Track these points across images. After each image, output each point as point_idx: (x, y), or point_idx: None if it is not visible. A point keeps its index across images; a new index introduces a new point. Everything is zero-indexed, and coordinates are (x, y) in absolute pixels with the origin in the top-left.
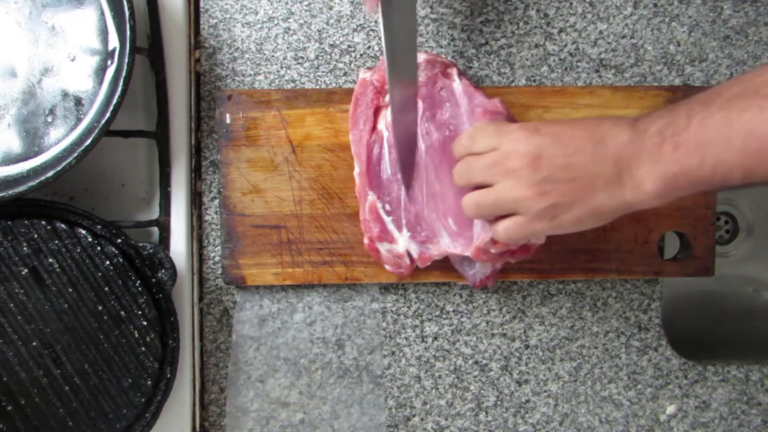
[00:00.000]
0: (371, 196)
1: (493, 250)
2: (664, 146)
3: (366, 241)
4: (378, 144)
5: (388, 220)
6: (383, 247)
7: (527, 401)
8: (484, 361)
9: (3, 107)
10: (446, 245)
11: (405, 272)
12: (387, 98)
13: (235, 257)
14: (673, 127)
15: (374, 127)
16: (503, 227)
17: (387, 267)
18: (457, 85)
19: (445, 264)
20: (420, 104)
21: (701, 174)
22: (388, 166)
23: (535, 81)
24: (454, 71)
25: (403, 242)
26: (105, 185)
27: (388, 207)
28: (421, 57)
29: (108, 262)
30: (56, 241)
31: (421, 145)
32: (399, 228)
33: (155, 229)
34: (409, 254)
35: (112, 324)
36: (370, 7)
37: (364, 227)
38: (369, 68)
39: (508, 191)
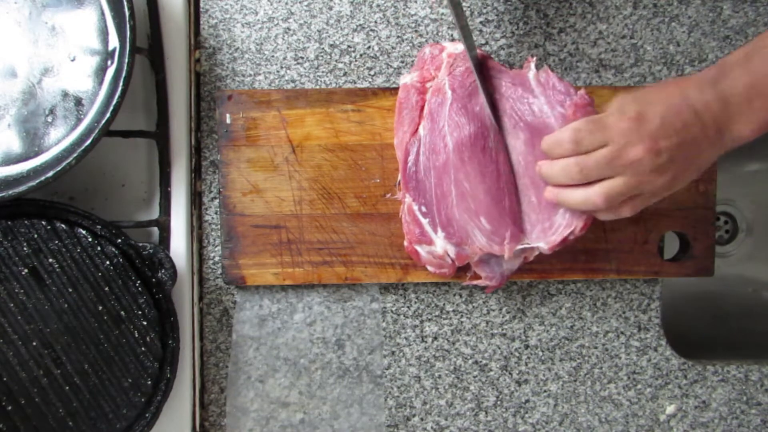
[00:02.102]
0: (408, 199)
1: (571, 237)
2: (754, 102)
3: (406, 243)
4: (415, 146)
5: (425, 222)
6: (423, 250)
7: (527, 401)
8: (484, 361)
9: (3, 107)
10: (481, 245)
11: (448, 273)
12: (429, 95)
13: (235, 257)
14: (757, 87)
15: (416, 130)
16: (629, 207)
17: (429, 268)
18: (533, 74)
19: None
20: (449, 94)
21: None
22: (422, 168)
23: None
24: (532, 62)
25: (440, 243)
26: (105, 185)
27: (423, 209)
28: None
29: (108, 262)
30: (56, 241)
31: (449, 142)
32: (435, 229)
33: (155, 229)
34: (448, 254)
35: (112, 324)
36: None
37: (405, 230)
38: (407, 72)
39: (635, 180)
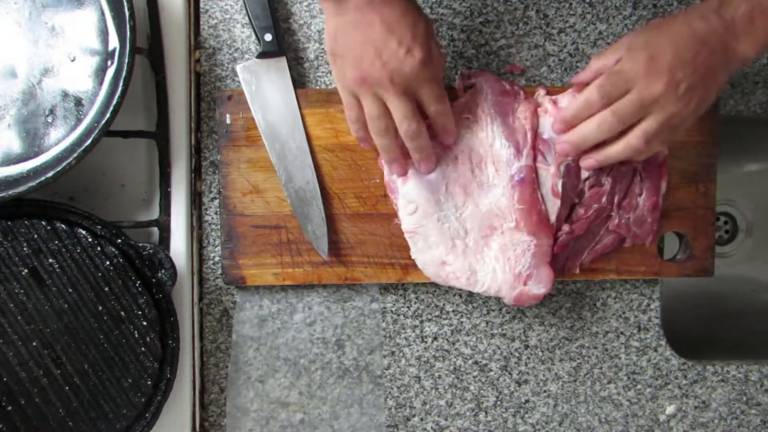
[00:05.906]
0: None
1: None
2: (756, 21)
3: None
4: None
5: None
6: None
7: (527, 401)
8: (484, 362)
9: (3, 107)
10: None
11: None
12: None
13: (235, 257)
14: (759, 7)
15: None
16: (660, 141)
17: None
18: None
19: None
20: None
21: None
22: None
23: (534, 81)
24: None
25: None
26: (105, 185)
27: None
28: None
29: (108, 263)
30: (56, 242)
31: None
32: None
33: (155, 230)
34: None
35: (112, 324)
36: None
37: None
38: None
39: (664, 115)
